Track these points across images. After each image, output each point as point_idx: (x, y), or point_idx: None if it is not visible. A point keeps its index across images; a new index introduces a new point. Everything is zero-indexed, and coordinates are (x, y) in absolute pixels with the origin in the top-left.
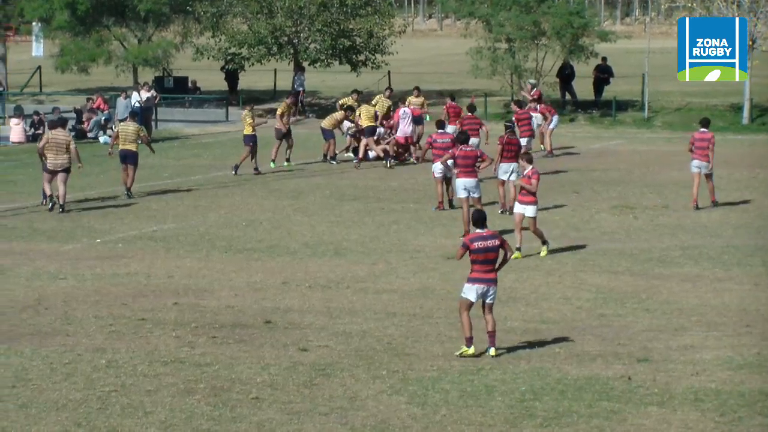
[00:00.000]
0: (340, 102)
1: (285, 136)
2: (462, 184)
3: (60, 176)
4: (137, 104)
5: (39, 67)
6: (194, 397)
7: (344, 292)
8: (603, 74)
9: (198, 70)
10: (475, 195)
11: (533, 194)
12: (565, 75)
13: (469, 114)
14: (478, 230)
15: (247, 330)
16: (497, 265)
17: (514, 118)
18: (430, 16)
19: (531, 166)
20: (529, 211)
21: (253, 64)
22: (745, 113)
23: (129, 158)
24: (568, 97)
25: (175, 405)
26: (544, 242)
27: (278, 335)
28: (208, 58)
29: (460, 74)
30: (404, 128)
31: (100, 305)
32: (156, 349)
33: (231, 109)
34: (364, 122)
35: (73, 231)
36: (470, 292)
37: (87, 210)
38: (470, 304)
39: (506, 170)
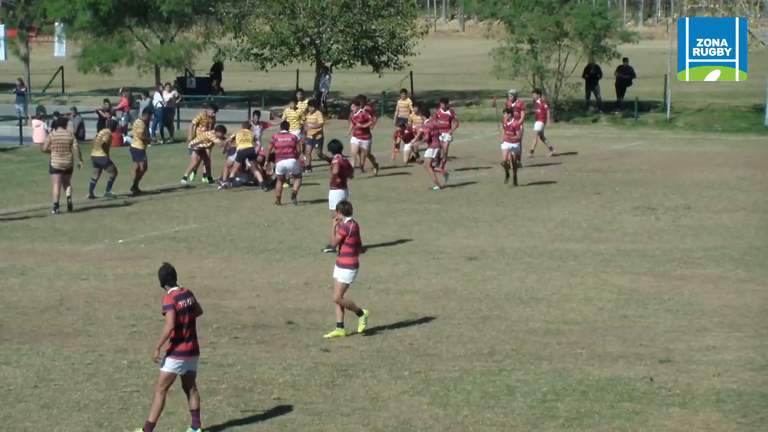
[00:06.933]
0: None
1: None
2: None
3: (65, 177)
4: (159, 105)
5: (61, 68)
6: (216, 398)
7: (366, 292)
8: (625, 75)
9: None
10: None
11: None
12: (591, 75)
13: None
14: (175, 289)
15: (269, 330)
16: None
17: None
18: (452, 17)
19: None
20: (345, 275)
21: (275, 65)
22: None
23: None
24: (592, 97)
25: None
26: (359, 312)
27: (300, 336)
28: (231, 59)
29: (483, 75)
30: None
31: (122, 306)
32: None
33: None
34: (240, 144)
35: (95, 231)
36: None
37: (109, 210)
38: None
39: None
